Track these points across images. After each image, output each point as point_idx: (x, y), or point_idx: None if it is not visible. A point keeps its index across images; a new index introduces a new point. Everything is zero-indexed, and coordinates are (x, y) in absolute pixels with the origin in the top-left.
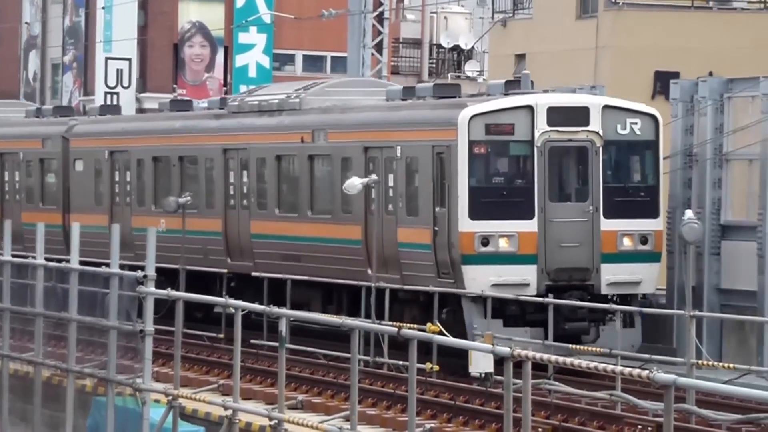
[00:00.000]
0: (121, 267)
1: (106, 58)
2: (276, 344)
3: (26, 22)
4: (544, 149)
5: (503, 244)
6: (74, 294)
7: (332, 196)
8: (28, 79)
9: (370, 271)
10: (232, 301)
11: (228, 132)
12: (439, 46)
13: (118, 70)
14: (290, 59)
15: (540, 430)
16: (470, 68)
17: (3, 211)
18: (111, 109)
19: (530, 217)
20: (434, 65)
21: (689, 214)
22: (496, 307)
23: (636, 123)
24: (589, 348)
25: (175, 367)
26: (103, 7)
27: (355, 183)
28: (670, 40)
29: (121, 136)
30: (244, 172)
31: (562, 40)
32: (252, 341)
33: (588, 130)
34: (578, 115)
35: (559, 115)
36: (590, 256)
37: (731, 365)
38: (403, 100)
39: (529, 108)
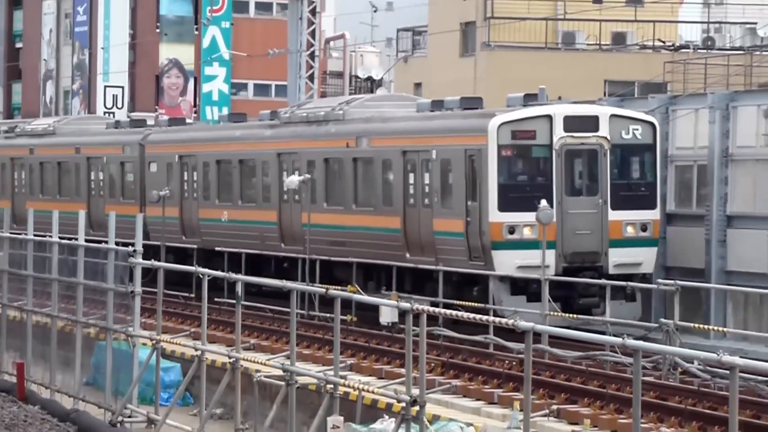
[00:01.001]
0: (186, 249)
1: (105, 86)
2: (234, 302)
3: (44, 59)
4: (561, 151)
5: (527, 232)
6: (81, 264)
7: (374, 192)
8: (45, 102)
9: (407, 255)
10: (200, 269)
11: (281, 139)
12: (357, 77)
13: (113, 95)
14: (244, 87)
15: (432, 364)
16: (379, 94)
17: (89, 205)
18: (178, 122)
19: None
20: (353, 91)
21: (543, 203)
22: (521, 286)
23: (637, 129)
24: (599, 318)
25: (158, 319)
26: (102, 48)
27: (293, 179)
28: (530, 72)
29: (188, 143)
30: (296, 172)
31: (449, 72)
32: (216, 299)
33: (598, 135)
34: (589, 123)
35: (573, 123)
36: (600, 241)
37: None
38: (431, 111)
39: (548, 117)
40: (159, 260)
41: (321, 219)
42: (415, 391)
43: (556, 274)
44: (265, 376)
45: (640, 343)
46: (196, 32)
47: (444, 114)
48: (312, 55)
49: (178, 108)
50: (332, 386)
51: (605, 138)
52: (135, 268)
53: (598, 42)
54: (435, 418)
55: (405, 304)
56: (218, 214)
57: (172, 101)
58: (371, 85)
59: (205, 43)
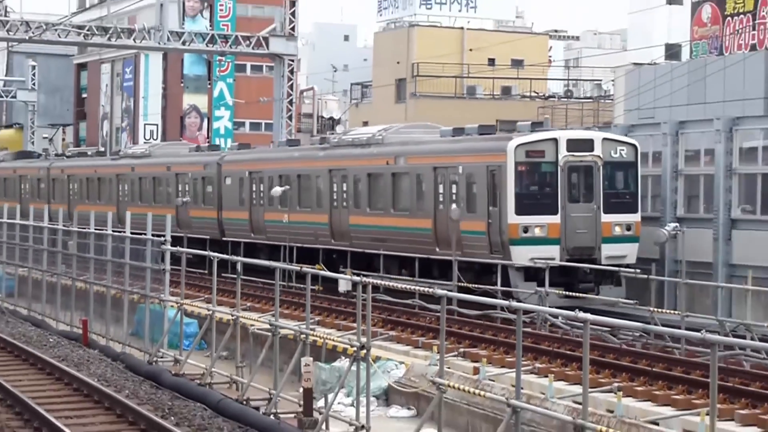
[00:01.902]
0: (255, 243)
1: (145, 124)
2: (235, 276)
3: (102, 105)
4: (565, 167)
5: (538, 232)
6: (127, 250)
7: (410, 199)
8: (102, 136)
9: (437, 249)
10: (212, 254)
11: (332, 158)
12: (322, 117)
13: (150, 130)
14: (242, 124)
15: (375, 320)
16: (338, 129)
17: (177, 210)
18: (245, 146)
19: (555, 213)
20: (320, 128)
21: (453, 206)
22: (532, 273)
23: (623, 149)
24: (594, 297)
25: (182, 288)
26: (142, 97)
27: (277, 189)
28: (444, 114)
29: (256, 162)
30: (344, 185)
31: (387, 114)
32: (223, 274)
33: (593, 154)
34: (586, 144)
35: (574, 144)
36: (594, 239)
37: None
38: (452, 136)
39: (554, 140)
40: (235, 254)
41: (364, 221)
42: (363, 339)
43: (561, 264)
44: (258, 329)
45: (521, 305)
46: (209, 86)
47: (467, 138)
48: (291, 102)
49: (197, 139)
50: (305, 336)
51: (599, 156)
52: (165, 252)
53: (491, 93)
54: (377, 359)
55: (356, 278)
56: (280, 216)
57: (192, 134)
58: (332, 123)
59: (215, 93)
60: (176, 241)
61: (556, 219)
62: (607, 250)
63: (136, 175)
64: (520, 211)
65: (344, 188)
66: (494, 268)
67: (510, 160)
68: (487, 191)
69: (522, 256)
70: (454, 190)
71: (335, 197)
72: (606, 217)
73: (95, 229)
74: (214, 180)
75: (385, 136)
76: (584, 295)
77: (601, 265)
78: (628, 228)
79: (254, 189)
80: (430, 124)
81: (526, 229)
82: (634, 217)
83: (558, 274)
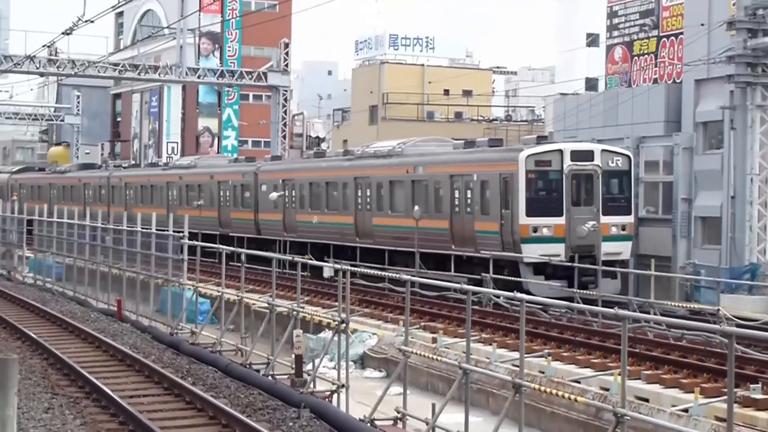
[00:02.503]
0: (287, 241)
1: (167, 142)
2: (240, 265)
3: (133, 127)
4: (569, 174)
5: (545, 231)
6: (153, 243)
7: (427, 203)
8: (133, 153)
9: (453, 246)
10: (221, 247)
11: (356, 168)
12: (309, 136)
13: (172, 147)
14: (246, 142)
15: (353, 300)
16: (324, 146)
17: (219, 212)
18: (277, 158)
19: (561, 215)
20: (308, 146)
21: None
22: (540, 267)
23: (619, 159)
24: (592, 292)
25: (197, 274)
26: (165, 120)
27: (273, 195)
28: (409, 135)
29: (288, 171)
30: (368, 190)
31: (363, 134)
32: (230, 263)
33: (593, 164)
34: (588, 155)
35: (577, 155)
36: (595, 238)
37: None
38: (464, 148)
39: (560, 151)
40: (270, 250)
41: (387, 222)
42: (343, 315)
43: (565, 261)
44: (258, 307)
45: (471, 287)
46: (219, 111)
47: (480, 149)
48: (284, 124)
49: (208, 153)
50: (296, 312)
51: (598, 165)
52: (183, 246)
53: (446, 117)
54: (354, 331)
55: (337, 266)
56: (310, 218)
57: (205, 150)
58: (318, 141)
59: (224, 117)
60: (208, 237)
61: (561, 220)
62: (606, 247)
63: (184, 182)
64: (530, 213)
65: (368, 194)
66: (508, 262)
67: (521, 169)
68: (500, 196)
69: (532, 252)
70: (468, 196)
71: (359, 201)
72: (604, 219)
73: (145, 228)
74: (252, 187)
75: (404, 149)
76: (583, 290)
77: (600, 261)
78: (623, 228)
79: (287, 194)
80: (443, 138)
81: (535, 229)
82: (629, 219)
83: (562, 268)
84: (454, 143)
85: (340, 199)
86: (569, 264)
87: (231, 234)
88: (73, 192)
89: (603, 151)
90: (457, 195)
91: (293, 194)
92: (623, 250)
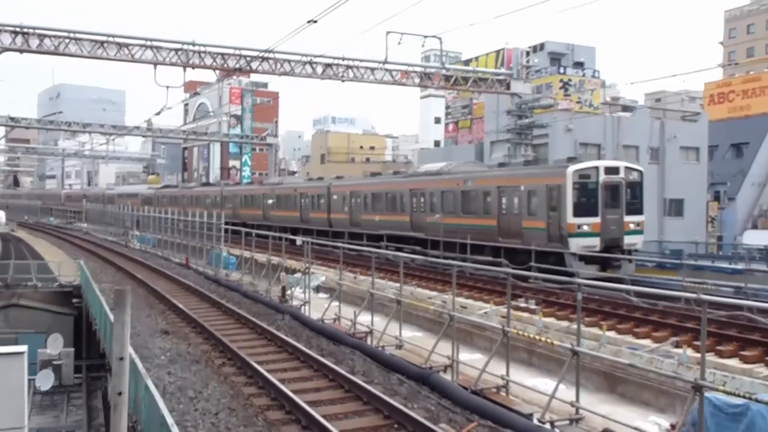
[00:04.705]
0: (355, 233)
1: (212, 174)
2: (258, 239)
3: (194, 165)
4: (603, 185)
5: (586, 228)
6: (205, 227)
7: (477, 206)
8: (194, 179)
9: (500, 239)
10: (244, 229)
11: (411, 183)
12: (288, 170)
13: (214, 176)
14: (255, 173)
15: (313, 256)
16: (296, 176)
17: (301, 213)
18: (343, 178)
19: (597, 215)
20: (288, 174)
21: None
22: (582, 256)
23: (635, 173)
24: (615, 273)
25: (228, 243)
26: (211, 161)
27: (269, 200)
28: (341, 171)
29: (355, 186)
30: (422, 199)
31: (317, 170)
32: (248, 237)
33: (619, 176)
34: (616, 170)
35: (609, 170)
36: (620, 232)
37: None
38: (498, 167)
39: (596, 167)
40: (339, 237)
41: (438, 220)
42: (307, 265)
43: (599, 250)
44: (264, 261)
45: (394, 253)
46: (240, 157)
47: (528, 166)
48: (276, 164)
49: (236, 180)
50: (282, 262)
51: (623, 177)
52: (221, 230)
53: (361, 161)
54: (313, 273)
55: (303, 238)
56: (373, 216)
57: (233, 179)
58: (294, 173)
59: (243, 160)
60: (290, 230)
61: (597, 219)
62: (627, 240)
63: (275, 194)
64: (575, 214)
65: (422, 200)
66: (553, 253)
67: (569, 180)
68: (547, 201)
69: (576, 244)
70: (515, 202)
71: (414, 206)
72: (627, 218)
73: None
74: (325, 196)
75: (452, 168)
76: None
77: (623, 250)
78: (638, 225)
79: (353, 202)
80: (476, 161)
81: (579, 226)
82: (641, 218)
83: (596, 256)
84: (489, 164)
85: (398, 204)
86: (599, 254)
87: (308, 227)
88: (198, 200)
89: (626, 167)
90: (504, 201)
91: (358, 201)
92: (638, 241)
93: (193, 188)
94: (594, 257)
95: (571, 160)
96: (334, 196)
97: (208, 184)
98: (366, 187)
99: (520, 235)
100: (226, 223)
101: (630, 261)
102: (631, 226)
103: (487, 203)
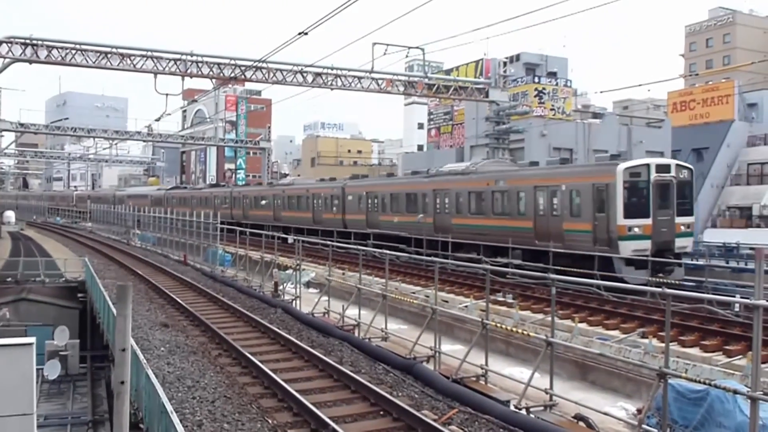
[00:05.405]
0: (369, 233)
1: (209, 176)
2: (252, 236)
3: (192, 168)
4: (654, 184)
5: (637, 230)
6: (201, 226)
7: (510, 207)
8: (192, 182)
9: (536, 242)
10: (240, 228)
11: (434, 183)
12: (280, 172)
13: (211, 177)
14: (249, 175)
15: (303, 254)
16: (289, 179)
17: (314, 214)
18: (358, 177)
19: (648, 217)
20: (280, 177)
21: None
22: (632, 260)
23: (685, 172)
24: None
25: (223, 241)
26: (207, 165)
27: (262, 201)
28: (330, 173)
29: (372, 186)
30: (446, 199)
31: (307, 172)
32: (242, 235)
33: (671, 175)
34: (667, 168)
35: (660, 168)
36: (671, 235)
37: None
38: (528, 166)
39: (647, 165)
40: (355, 238)
41: (466, 221)
42: (298, 261)
43: (651, 254)
44: (257, 258)
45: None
46: (235, 161)
47: (568, 165)
48: (269, 167)
49: (228, 181)
50: (275, 259)
51: (674, 176)
52: (217, 228)
53: (349, 164)
54: (304, 269)
55: (297, 237)
56: (391, 218)
57: (228, 181)
58: (285, 175)
59: (238, 163)
60: (303, 231)
61: (648, 221)
62: (678, 242)
63: (286, 195)
64: (626, 215)
65: (446, 201)
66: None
67: (619, 179)
68: (593, 202)
69: (627, 248)
70: (555, 202)
71: (438, 207)
72: (677, 220)
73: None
74: (340, 197)
75: (478, 167)
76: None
77: (674, 253)
78: (688, 227)
79: (370, 202)
80: (503, 160)
81: (630, 229)
82: (691, 219)
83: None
84: (520, 163)
85: (420, 205)
86: (648, 258)
87: (321, 229)
88: (206, 201)
89: (676, 165)
90: (542, 201)
91: (376, 201)
92: (688, 244)
93: (202, 189)
94: (644, 262)
95: (615, 157)
96: (349, 197)
97: (217, 185)
98: (384, 188)
99: (561, 237)
100: (236, 225)
101: (680, 265)
102: (682, 228)
103: (522, 204)
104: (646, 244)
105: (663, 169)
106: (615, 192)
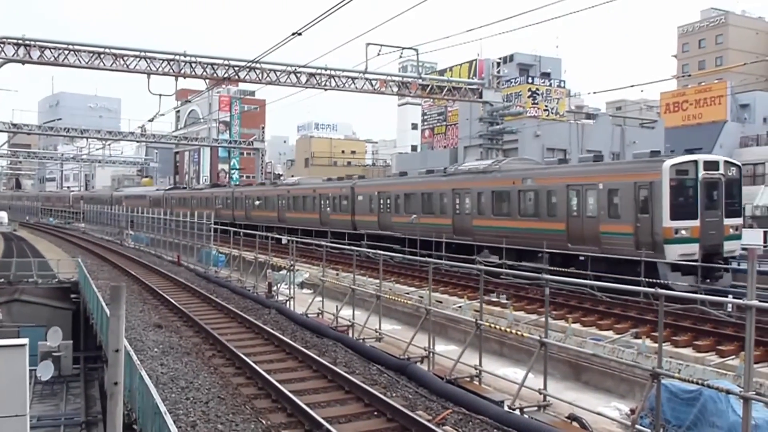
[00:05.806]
0: (379, 234)
1: (203, 177)
2: (246, 238)
3: (185, 168)
4: (702, 182)
5: (684, 233)
6: (195, 227)
7: (538, 207)
8: (185, 182)
9: (569, 245)
10: (233, 229)
11: (453, 182)
12: (274, 173)
13: (204, 178)
14: (242, 176)
15: (297, 254)
16: (282, 179)
17: (321, 215)
18: (368, 177)
19: (696, 218)
20: (275, 178)
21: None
22: (678, 265)
23: (734, 169)
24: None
25: (217, 242)
26: (201, 165)
27: (257, 201)
28: (324, 173)
29: (384, 186)
30: (466, 199)
31: (301, 172)
32: (236, 236)
33: (719, 173)
34: (715, 165)
35: (708, 165)
36: (720, 238)
37: None
38: (558, 164)
39: (695, 161)
40: (363, 238)
41: (488, 223)
42: (292, 262)
43: (699, 259)
44: (251, 259)
45: (383, 252)
46: (229, 160)
47: (604, 162)
48: (262, 167)
49: (226, 182)
50: (269, 260)
51: (722, 174)
52: (211, 229)
53: (343, 164)
54: (297, 269)
55: (289, 237)
56: (407, 219)
57: (222, 181)
58: (279, 175)
59: (232, 163)
60: (309, 232)
61: (696, 223)
62: (726, 246)
63: (291, 195)
64: (673, 216)
65: (466, 201)
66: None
67: (665, 177)
68: (635, 202)
69: (673, 252)
70: (591, 202)
71: (458, 207)
72: (726, 221)
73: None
74: (349, 197)
75: (501, 165)
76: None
77: (722, 258)
78: (736, 229)
79: (382, 202)
80: (528, 158)
81: (677, 231)
82: (740, 221)
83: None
84: (547, 160)
85: (438, 205)
86: (695, 263)
87: (329, 230)
88: (207, 202)
89: (725, 162)
90: (575, 201)
91: (388, 202)
92: (736, 248)
93: (203, 189)
94: (691, 267)
95: (655, 153)
96: (359, 197)
97: (217, 185)
98: (397, 187)
99: (597, 241)
100: (239, 226)
101: (728, 270)
102: (731, 230)
103: (553, 204)
104: (694, 248)
105: (711, 166)
106: (661, 191)
